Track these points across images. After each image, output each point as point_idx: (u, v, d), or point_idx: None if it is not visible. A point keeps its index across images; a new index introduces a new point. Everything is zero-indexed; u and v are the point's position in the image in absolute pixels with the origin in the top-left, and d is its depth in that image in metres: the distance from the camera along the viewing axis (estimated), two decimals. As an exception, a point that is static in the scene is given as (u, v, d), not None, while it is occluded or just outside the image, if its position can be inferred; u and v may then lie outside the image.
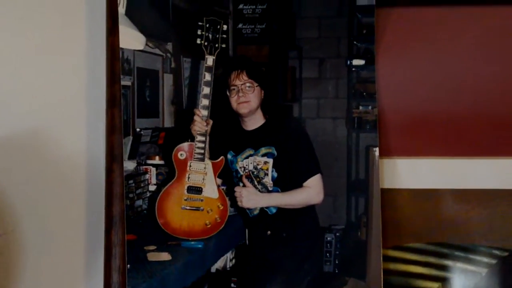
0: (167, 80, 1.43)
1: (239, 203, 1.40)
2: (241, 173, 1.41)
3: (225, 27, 1.38)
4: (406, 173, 1.39)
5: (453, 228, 1.39)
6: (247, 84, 1.39)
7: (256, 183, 1.40)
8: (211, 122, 1.38)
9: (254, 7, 1.40)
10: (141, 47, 1.38)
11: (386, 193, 1.38)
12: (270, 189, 1.40)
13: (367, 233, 1.37)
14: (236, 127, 1.42)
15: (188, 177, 1.39)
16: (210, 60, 1.37)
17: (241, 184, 1.41)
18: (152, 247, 1.37)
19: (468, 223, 1.39)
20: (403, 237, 1.39)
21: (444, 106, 1.40)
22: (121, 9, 1.36)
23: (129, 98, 1.38)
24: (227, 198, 1.40)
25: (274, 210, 1.40)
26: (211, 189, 1.39)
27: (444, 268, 1.39)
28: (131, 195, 1.37)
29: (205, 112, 1.37)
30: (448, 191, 1.39)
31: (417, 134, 1.41)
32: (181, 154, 1.38)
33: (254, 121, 1.41)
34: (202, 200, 1.39)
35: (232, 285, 1.41)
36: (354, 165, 1.39)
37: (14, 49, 1.40)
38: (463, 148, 1.40)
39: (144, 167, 1.41)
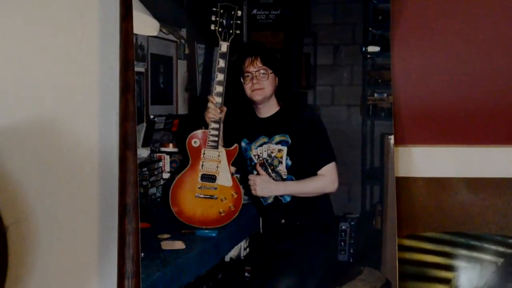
0: (181, 67, 1.42)
1: (253, 192, 1.40)
2: (255, 161, 1.41)
3: (239, 13, 1.38)
4: (421, 161, 1.38)
5: (469, 217, 1.38)
6: (261, 71, 1.39)
7: (270, 171, 1.40)
8: (225, 109, 1.38)
9: (268, -8, 1.40)
10: (155, 33, 1.37)
11: (401, 182, 1.37)
12: (284, 177, 1.40)
13: (382, 222, 1.37)
14: (250, 115, 1.42)
15: (202, 165, 1.38)
16: (224, 47, 1.37)
17: (255, 172, 1.41)
18: (166, 236, 1.36)
19: (483, 212, 1.38)
20: (418, 226, 1.38)
21: (459, 94, 1.39)
22: None
23: (143, 84, 1.37)
24: (241, 186, 1.40)
25: (288, 199, 1.40)
26: (225, 177, 1.39)
27: (459, 257, 1.38)
28: (144, 183, 1.37)
29: (219, 99, 1.37)
30: (464, 179, 1.38)
31: (432, 122, 1.40)
32: (195, 142, 1.38)
33: (268, 108, 1.41)
34: (216, 188, 1.39)
35: (246, 274, 1.40)
36: (369, 153, 1.39)
37: (27, 36, 1.39)
38: (478, 136, 1.39)
39: (158, 154, 1.41)
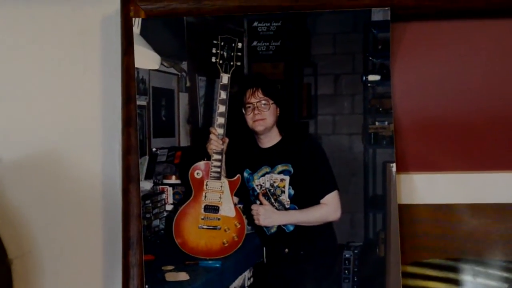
0: (183, 99, 1.43)
1: (256, 221, 1.39)
2: (258, 191, 1.40)
3: (239, 45, 1.37)
4: (423, 188, 1.38)
5: (472, 243, 1.37)
6: (263, 102, 1.38)
7: (273, 200, 1.40)
8: (227, 140, 1.38)
9: (268, 24, 1.39)
10: (156, 67, 1.38)
11: (403, 209, 1.36)
12: (287, 206, 1.39)
13: (386, 250, 1.36)
14: (252, 145, 1.41)
15: (205, 196, 1.38)
16: (225, 78, 1.37)
17: (258, 202, 1.40)
18: (170, 267, 1.36)
19: (487, 238, 1.37)
20: (422, 253, 1.38)
21: (461, 120, 1.39)
22: (136, 29, 1.36)
23: (145, 117, 1.37)
24: (244, 217, 1.39)
25: (291, 228, 1.39)
26: (228, 207, 1.38)
27: (464, 283, 1.37)
28: (148, 215, 1.37)
29: (221, 131, 1.37)
30: (466, 205, 1.37)
31: (434, 149, 1.39)
32: (197, 173, 1.38)
33: (270, 139, 1.41)
34: (219, 219, 1.38)
35: (251, 304, 1.40)
36: (371, 181, 1.38)
37: (29, 70, 1.41)
38: (480, 162, 1.39)
39: (161, 186, 1.40)
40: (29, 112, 1.41)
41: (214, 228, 1.38)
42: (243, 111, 1.40)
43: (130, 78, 1.35)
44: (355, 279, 1.37)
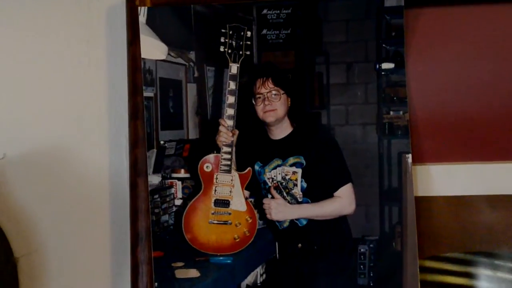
0: (191, 90, 1.41)
1: (268, 216, 1.38)
2: (269, 184, 1.39)
3: (249, 33, 1.37)
4: (440, 179, 1.36)
5: (492, 236, 1.36)
6: (273, 92, 1.37)
7: (285, 194, 1.38)
8: (237, 132, 1.37)
9: (278, 12, 1.38)
10: (163, 57, 1.37)
11: (420, 201, 1.35)
12: (300, 200, 1.38)
13: (402, 244, 1.35)
14: (263, 137, 1.41)
15: (215, 190, 1.37)
16: (234, 68, 1.36)
17: (269, 196, 1.39)
18: (180, 264, 1.35)
19: (507, 230, 1.35)
20: (440, 247, 1.37)
21: (478, 109, 1.37)
22: (142, 18, 1.35)
23: (152, 110, 1.37)
24: (255, 211, 1.39)
25: (304, 222, 1.38)
26: (239, 201, 1.37)
27: (483, 278, 1.35)
28: (156, 210, 1.36)
29: (230, 122, 1.36)
30: (485, 197, 1.36)
31: (451, 138, 1.38)
32: (207, 167, 1.37)
33: (281, 130, 1.39)
34: (230, 214, 1.37)
35: (264, 301, 1.39)
36: (386, 173, 1.36)
37: (32, 65, 1.39)
38: (499, 152, 1.37)
39: (169, 181, 1.40)
40: (33, 107, 1.39)
41: (225, 223, 1.37)
42: (253, 101, 1.39)
43: (137, 69, 1.34)
44: (371, 274, 1.35)
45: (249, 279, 1.38)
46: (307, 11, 1.37)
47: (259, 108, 1.37)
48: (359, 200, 1.36)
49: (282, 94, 1.37)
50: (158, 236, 1.34)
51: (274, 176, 1.38)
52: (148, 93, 1.35)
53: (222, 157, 1.36)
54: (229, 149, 1.36)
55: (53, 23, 1.39)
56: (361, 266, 1.35)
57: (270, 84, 1.37)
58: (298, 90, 1.39)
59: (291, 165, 1.38)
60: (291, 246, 1.38)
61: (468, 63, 1.37)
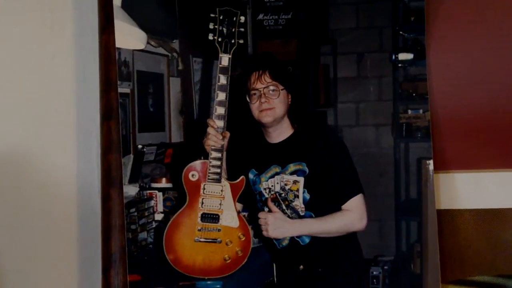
0: (174, 85, 1.38)
1: (264, 232, 1.31)
2: (266, 195, 1.33)
3: (242, 18, 1.32)
4: (467, 190, 1.32)
5: (528, 256, 1.30)
6: (271, 88, 1.31)
7: (284, 207, 1.31)
8: (228, 134, 1.30)
9: (277, -7, 1.36)
10: (141, 46, 1.35)
11: (443, 215, 1.30)
12: (302, 214, 1.31)
13: (422, 265, 1.31)
14: (259, 140, 1.35)
15: (202, 203, 1.30)
16: (225, 60, 1.29)
17: (266, 209, 1.32)
18: (160, 290, 1.27)
19: (545, 250, 1.29)
20: (467, 269, 1.31)
21: (511, 107, 1.28)
22: (117, 1, 1.27)
23: (128, 108, 1.32)
24: (249, 227, 1.32)
25: (307, 240, 1.32)
26: (230, 216, 1.30)
27: (518, 305, 1.29)
28: (133, 227, 1.31)
29: (220, 123, 1.29)
30: (520, 210, 1.29)
31: (480, 142, 1.33)
32: (192, 175, 1.30)
33: (280, 132, 1.33)
34: (219, 230, 1.30)
35: (259, 333, 1.32)
36: (403, 182, 1.37)
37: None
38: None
39: (149, 191, 1.39)
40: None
41: (214, 241, 1.29)
42: (247, 99, 1.33)
43: (110, 60, 1.27)
44: (386, 301, 1.32)
45: (243, 307, 1.32)
46: (311, -8, 1.35)
47: (254, 107, 1.31)
48: (372, 214, 1.33)
49: (281, 90, 1.31)
50: (134, 257, 1.31)
51: (272, 186, 1.32)
52: (123, 88, 1.31)
53: (211, 164, 1.29)
54: (219, 155, 1.28)
55: (11, 8, 1.29)
56: (374, 292, 1.32)
57: (267, 78, 1.31)
58: (300, 85, 1.36)
59: (292, 173, 1.31)
60: (291, 268, 1.34)
61: (499, 53, 1.32)
